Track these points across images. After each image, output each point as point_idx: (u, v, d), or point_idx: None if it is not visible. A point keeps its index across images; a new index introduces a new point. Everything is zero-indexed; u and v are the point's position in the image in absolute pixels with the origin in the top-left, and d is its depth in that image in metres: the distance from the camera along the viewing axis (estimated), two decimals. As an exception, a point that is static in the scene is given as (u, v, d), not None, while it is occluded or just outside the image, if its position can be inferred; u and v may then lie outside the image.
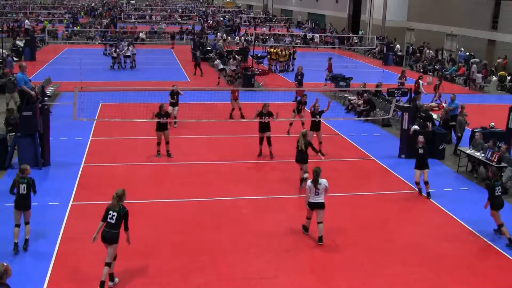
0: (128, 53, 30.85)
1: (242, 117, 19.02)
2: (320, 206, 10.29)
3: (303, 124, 17.51)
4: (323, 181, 10.25)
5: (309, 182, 10.40)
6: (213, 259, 9.68)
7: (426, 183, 12.87)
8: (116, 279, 8.79)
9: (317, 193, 10.25)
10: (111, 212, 8.47)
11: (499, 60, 33.52)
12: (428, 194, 12.95)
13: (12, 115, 15.95)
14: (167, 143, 15.11)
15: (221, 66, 27.37)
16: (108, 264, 8.48)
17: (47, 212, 11.35)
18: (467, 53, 35.40)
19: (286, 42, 43.82)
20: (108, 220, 8.45)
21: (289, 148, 15.25)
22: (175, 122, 18.04)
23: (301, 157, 12.93)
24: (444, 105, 19.79)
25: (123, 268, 9.24)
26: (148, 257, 9.66)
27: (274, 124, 15.75)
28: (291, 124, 17.85)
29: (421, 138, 13.11)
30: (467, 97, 24.58)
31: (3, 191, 12.45)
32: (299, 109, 17.61)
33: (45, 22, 51.06)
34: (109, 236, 8.44)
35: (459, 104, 17.97)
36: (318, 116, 15.58)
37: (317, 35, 49.65)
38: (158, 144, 15.12)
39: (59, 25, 52.04)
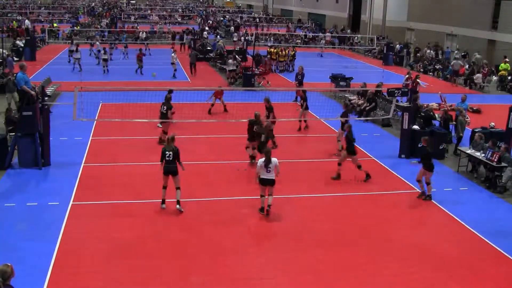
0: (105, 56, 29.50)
1: (225, 110, 20.60)
2: (271, 182, 11.38)
3: (305, 121, 18.65)
4: (273, 160, 11.30)
5: (261, 160, 11.35)
6: (213, 259, 9.68)
7: None
8: (181, 209, 11.52)
9: (268, 171, 11.27)
10: (167, 152, 11.24)
11: (478, 56, 33.90)
12: None
13: (11, 114, 15.97)
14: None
15: (232, 67, 27.43)
16: (178, 188, 11.45)
17: (47, 212, 11.34)
18: (455, 51, 35.98)
19: (322, 43, 43.16)
20: (167, 158, 11.23)
21: (293, 148, 15.26)
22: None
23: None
24: (447, 105, 19.80)
25: (123, 267, 9.26)
26: (148, 257, 9.65)
27: (278, 123, 15.96)
28: (300, 121, 18.68)
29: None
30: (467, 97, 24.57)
31: (3, 191, 12.49)
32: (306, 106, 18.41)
33: (14, 22, 49.14)
34: (171, 170, 11.34)
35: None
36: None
37: (328, 34, 49.48)
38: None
39: (59, 24, 52.04)
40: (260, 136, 14.51)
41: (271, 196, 11.50)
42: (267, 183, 11.37)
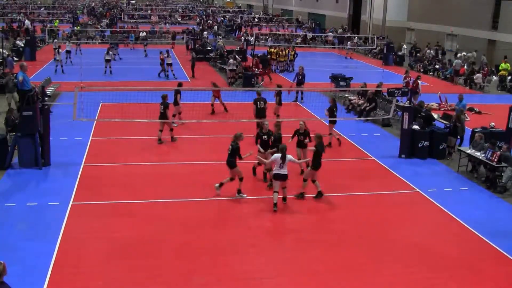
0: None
1: (225, 110, 20.59)
2: (284, 177, 11.76)
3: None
4: (288, 157, 11.74)
5: (278, 156, 11.68)
6: (213, 259, 9.68)
7: None
8: (244, 195, 12.41)
9: (281, 166, 11.65)
10: (230, 146, 12.25)
11: (469, 54, 34.06)
12: None
13: (12, 115, 15.96)
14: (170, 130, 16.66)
15: (232, 67, 27.41)
16: (231, 179, 12.41)
17: (47, 212, 11.34)
18: (460, 52, 36.26)
19: (348, 47, 42.94)
20: (228, 151, 12.22)
21: (293, 148, 15.22)
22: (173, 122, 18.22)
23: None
24: (447, 105, 19.77)
25: (123, 267, 9.26)
26: (148, 257, 9.66)
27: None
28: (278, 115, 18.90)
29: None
30: (467, 97, 24.55)
31: (3, 191, 12.49)
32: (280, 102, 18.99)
33: None
34: (228, 163, 12.27)
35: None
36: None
37: (330, 34, 49.41)
38: (161, 131, 16.55)
39: (59, 25, 52.04)
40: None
41: (285, 188, 12.01)
42: (278, 178, 11.73)
